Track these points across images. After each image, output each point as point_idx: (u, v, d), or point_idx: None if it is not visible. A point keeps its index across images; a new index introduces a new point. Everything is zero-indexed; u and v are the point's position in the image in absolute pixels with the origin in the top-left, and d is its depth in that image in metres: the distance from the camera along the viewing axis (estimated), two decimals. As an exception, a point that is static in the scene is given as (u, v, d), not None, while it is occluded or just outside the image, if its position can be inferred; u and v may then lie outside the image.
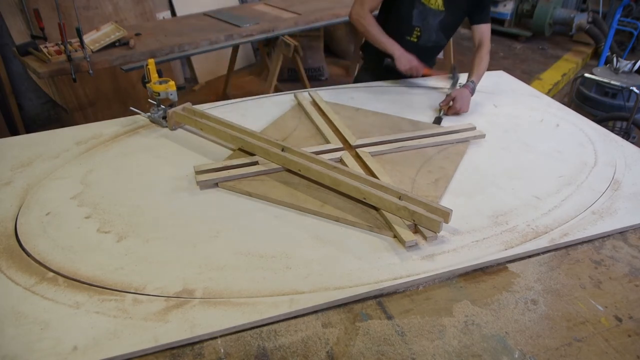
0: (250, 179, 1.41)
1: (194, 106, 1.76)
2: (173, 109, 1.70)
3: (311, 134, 1.69)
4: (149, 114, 1.76)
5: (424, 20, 1.89)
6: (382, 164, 1.49)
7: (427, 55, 2.04)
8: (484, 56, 1.96)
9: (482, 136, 1.68)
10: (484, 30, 1.96)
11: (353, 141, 1.61)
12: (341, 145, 1.59)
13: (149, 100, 1.76)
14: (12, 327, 0.95)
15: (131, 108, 1.81)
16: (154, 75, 1.72)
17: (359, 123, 1.76)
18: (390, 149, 1.58)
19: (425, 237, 1.20)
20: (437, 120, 1.81)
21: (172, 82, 1.72)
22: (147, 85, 1.72)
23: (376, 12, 2.02)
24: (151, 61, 1.71)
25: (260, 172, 1.43)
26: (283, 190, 1.36)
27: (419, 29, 1.91)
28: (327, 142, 1.61)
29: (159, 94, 1.71)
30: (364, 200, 1.29)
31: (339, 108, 1.87)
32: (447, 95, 1.86)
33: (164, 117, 1.72)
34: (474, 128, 1.71)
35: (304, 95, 1.95)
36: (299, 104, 1.89)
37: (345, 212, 1.28)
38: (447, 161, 1.54)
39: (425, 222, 1.21)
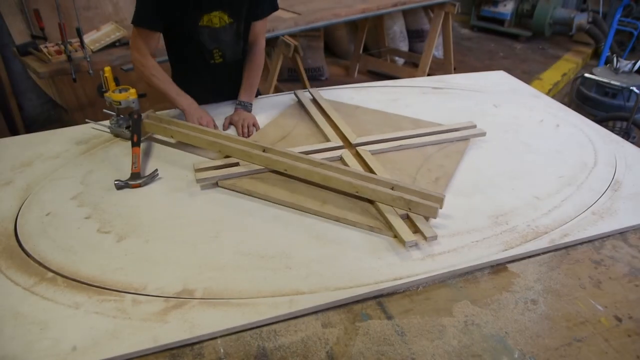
0: (250, 177, 1.40)
1: (159, 112, 1.69)
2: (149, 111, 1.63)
3: (311, 132, 1.69)
4: (109, 126, 1.65)
5: (217, 41, 1.71)
6: (382, 163, 1.49)
7: (242, 65, 1.85)
8: (256, 61, 1.80)
9: (483, 134, 1.68)
10: (260, 27, 1.77)
11: (353, 139, 1.61)
12: (341, 144, 1.59)
13: (104, 110, 1.66)
14: (11, 327, 0.95)
15: (87, 120, 1.71)
16: (112, 84, 1.61)
17: (359, 121, 1.76)
18: (391, 147, 1.58)
19: (425, 237, 1.20)
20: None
21: (132, 90, 1.61)
22: (105, 94, 1.61)
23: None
24: (107, 69, 1.61)
25: (261, 169, 1.42)
26: (284, 189, 1.36)
27: (218, 49, 1.74)
28: (327, 140, 1.61)
29: (119, 102, 1.59)
30: (357, 194, 1.30)
31: (338, 105, 1.87)
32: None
33: (128, 127, 1.60)
34: (474, 126, 1.71)
35: (304, 93, 1.95)
36: (299, 102, 1.89)
37: (345, 211, 1.28)
38: (448, 159, 1.54)
39: (422, 209, 1.23)
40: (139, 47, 1.63)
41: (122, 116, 1.64)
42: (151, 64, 1.64)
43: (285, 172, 1.39)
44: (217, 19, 1.67)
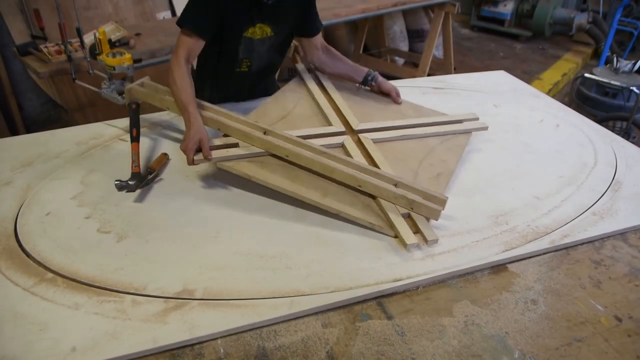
0: (249, 160, 1.33)
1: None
2: (130, 85, 1.53)
3: (312, 112, 1.64)
4: (101, 90, 1.57)
5: (251, 52, 1.69)
6: (384, 153, 1.45)
7: (263, 75, 1.87)
8: (337, 55, 1.88)
9: (485, 128, 1.67)
10: (316, 39, 1.81)
11: (356, 125, 1.56)
12: (343, 129, 1.54)
13: (95, 71, 1.55)
14: (11, 327, 0.95)
15: (77, 81, 1.62)
16: (106, 46, 1.51)
17: (361, 103, 1.72)
18: (393, 136, 1.55)
19: (426, 240, 1.19)
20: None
21: (128, 55, 1.54)
22: (99, 57, 1.52)
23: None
24: (101, 30, 1.53)
25: (261, 152, 1.36)
26: (284, 176, 1.30)
27: (247, 60, 1.71)
28: (329, 124, 1.56)
29: (113, 67, 1.51)
30: (359, 188, 1.28)
31: (340, 86, 1.83)
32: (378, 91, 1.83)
33: (121, 93, 1.52)
34: (477, 118, 1.69)
35: (304, 68, 1.92)
36: (300, 78, 1.84)
37: (346, 205, 1.25)
38: (450, 153, 1.52)
39: (424, 210, 1.22)
40: (177, 51, 1.50)
41: (114, 81, 1.55)
42: (180, 70, 1.46)
43: (286, 157, 1.34)
44: (261, 30, 1.65)
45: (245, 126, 1.41)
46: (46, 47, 2.45)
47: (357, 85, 1.85)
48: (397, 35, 4.90)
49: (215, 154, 1.32)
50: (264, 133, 1.39)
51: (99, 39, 1.53)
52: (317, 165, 1.31)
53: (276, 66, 1.92)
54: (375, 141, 1.52)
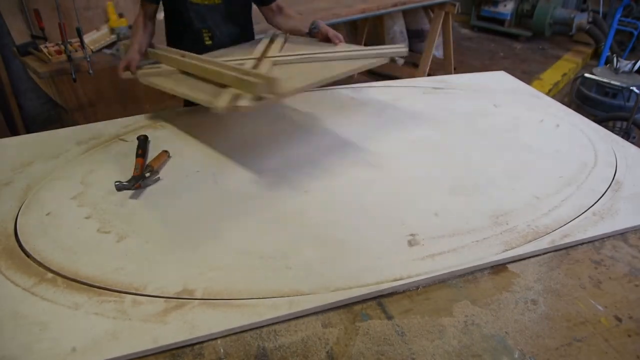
0: (165, 77, 1.61)
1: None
2: (123, 41, 2.18)
3: (248, 53, 1.72)
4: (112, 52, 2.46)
5: (205, 20, 1.76)
6: (282, 71, 1.54)
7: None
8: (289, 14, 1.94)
9: (404, 52, 1.69)
10: (275, 7, 1.88)
11: (273, 53, 1.68)
12: (258, 56, 1.64)
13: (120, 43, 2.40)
14: (11, 327, 0.95)
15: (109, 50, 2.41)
16: (113, 16, 2.54)
17: (298, 46, 1.79)
18: (293, 59, 1.63)
19: (237, 108, 1.25)
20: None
21: (124, 19, 2.46)
22: (107, 24, 2.44)
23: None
24: (110, 3, 2.51)
25: (175, 71, 1.62)
26: (184, 86, 1.53)
27: (207, 30, 1.78)
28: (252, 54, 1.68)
29: (113, 29, 2.57)
30: (221, 82, 1.42)
31: (291, 39, 1.90)
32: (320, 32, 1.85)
33: (122, 42, 2.24)
34: (403, 47, 1.70)
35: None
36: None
37: (210, 96, 1.37)
38: (343, 64, 1.56)
39: (254, 87, 1.29)
40: (138, 13, 1.79)
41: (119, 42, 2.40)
42: (134, 27, 1.78)
43: (187, 71, 1.59)
44: None
45: (171, 54, 1.67)
46: (46, 47, 2.45)
47: (306, 37, 1.90)
48: (397, 35, 4.90)
49: (142, 73, 1.64)
50: (182, 57, 1.63)
51: (109, 11, 2.58)
52: (197, 69, 1.53)
53: (241, 41, 1.94)
54: (277, 63, 1.60)
